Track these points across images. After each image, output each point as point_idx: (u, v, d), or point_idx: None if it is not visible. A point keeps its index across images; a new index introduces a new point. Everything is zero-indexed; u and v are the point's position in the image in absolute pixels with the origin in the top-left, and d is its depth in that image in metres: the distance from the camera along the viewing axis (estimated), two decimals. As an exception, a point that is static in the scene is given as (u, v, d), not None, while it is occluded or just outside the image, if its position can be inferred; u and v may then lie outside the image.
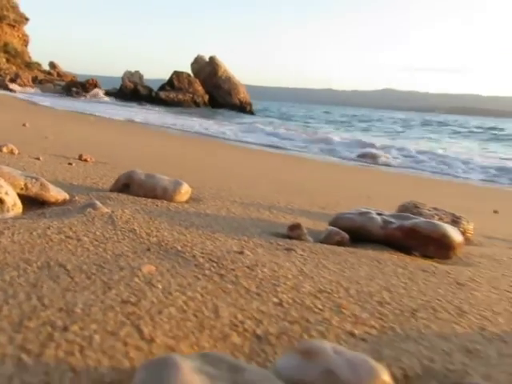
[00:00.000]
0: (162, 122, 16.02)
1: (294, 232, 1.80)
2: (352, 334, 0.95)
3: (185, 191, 2.38)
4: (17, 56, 54.93)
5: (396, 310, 1.12)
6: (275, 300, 1.07)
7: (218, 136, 13.31)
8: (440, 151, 11.85)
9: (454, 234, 1.81)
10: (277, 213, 2.37)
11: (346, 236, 1.83)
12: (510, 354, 0.96)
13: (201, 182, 3.11)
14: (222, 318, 0.93)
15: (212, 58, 39.03)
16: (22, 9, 63.70)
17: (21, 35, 61.62)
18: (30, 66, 55.80)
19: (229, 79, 38.09)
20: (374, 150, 10.38)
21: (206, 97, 36.90)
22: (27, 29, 64.05)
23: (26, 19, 63.65)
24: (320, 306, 1.07)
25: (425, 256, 1.84)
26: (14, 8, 61.12)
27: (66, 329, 0.77)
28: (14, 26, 59.85)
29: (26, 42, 62.59)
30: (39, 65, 59.72)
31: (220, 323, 0.91)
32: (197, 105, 35.17)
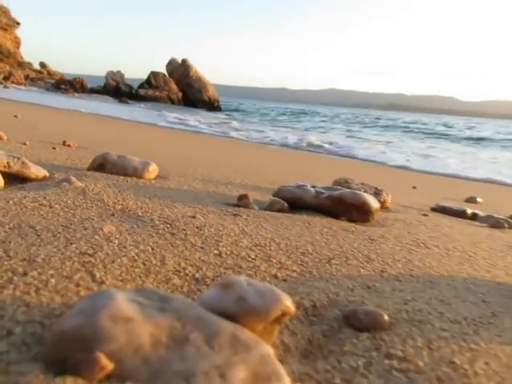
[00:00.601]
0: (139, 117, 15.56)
1: (241, 201, 1.82)
2: (276, 277, 0.98)
3: (152, 169, 2.35)
4: (10, 56, 51.83)
5: (315, 258, 1.16)
6: (216, 252, 1.09)
7: (187, 127, 13.08)
8: (366, 142, 12.07)
9: (372, 202, 1.87)
10: (231, 188, 2.37)
11: (285, 204, 1.86)
12: (401, 289, 1.02)
13: (169, 164, 3.07)
14: (168, 265, 0.94)
15: (184, 61, 38.39)
16: (14, 14, 59.94)
17: (13, 38, 58.09)
18: (22, 65, 52.80)
19: (199, 79, 37.62)
20: (316, 140, 10.47)
21: (180, 94, 36.31)
22: (19, 32, 60.41)
23: (18, 23, 59.99)
24: (253, 256, 1.10)
25: (349, 220, 1.89)
26: (6, 13, 57.43)
27: (25, 274, 0.76)
28: (6, 30, 56.31)
29: (17, 44, 59.09)
30: (30, 64, 56.63)
31: (165, 269, 0.92)
32: (172, 101, 34.55)
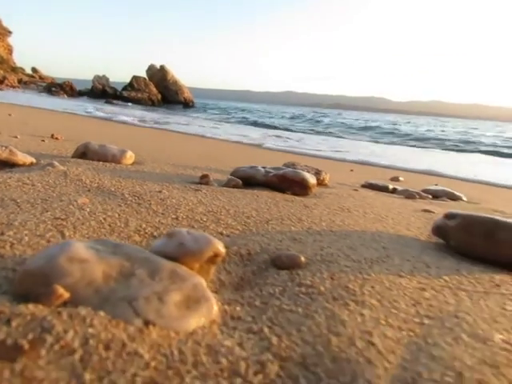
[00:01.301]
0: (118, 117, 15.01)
1: (203, 179, 1.84)
2: (221, 233, 1.03)
3: (129, 156, 2.31)
4: (3, 62, 48.20)
5: (257, 220, 1.21)
6: (173, 216, 1.11)
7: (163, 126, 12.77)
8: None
9: (310, 178, 1.95)
10: (197, 170, 2.38)
11: (240, 181, 1.90)
12: (321, 240, 1.08)
13: (146, 153, 3.03)
14: (130, 226, 0.96)
15: (162, 66, 37.41)
16: (5, 23, 55.47)
17: (5, 45, 53.93)
18: (15, 70, 49.30)
19: (175, 82, 36.80)
20: (276, 135, 10.50)
21: (159, 96, 35.37)
22: (10, 40, 56.12)
23: (9, 32, 55.67)
24: (205, 219, 1.13)
25: (293, 193, 1.96)
26: (-2, 23, 53.13)
27: (2, 234, 0.76)
28: (-1, 38, 52.19)
29: (10, 51, 54.95)
30: (23, 69, 52.97)
31: (127, 229, 0.94)
32: (152, 102, 33.59)
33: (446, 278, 0.89)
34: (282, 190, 1.96)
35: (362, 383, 0.46)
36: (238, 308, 0.65)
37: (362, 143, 10.78)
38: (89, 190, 1.32)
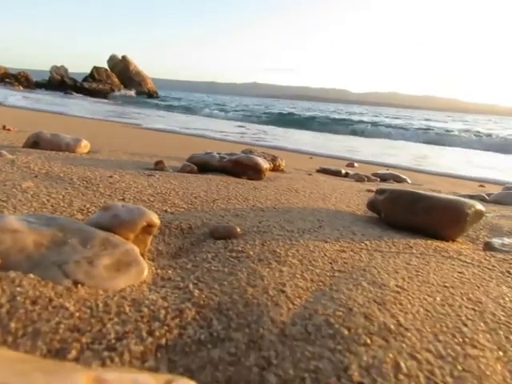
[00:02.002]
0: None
1: (158, 166, 1.85)
2: (165, 211, 1.07)
3: (84, 145, 2.27)
4: None
5: (204, 200, 1.26)
6: (120, 197, 1.14)
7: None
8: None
9: (263, 163, 2.02)
10: (155, 158, 2.37)
11: (195, 167, 1.93)
12: (261, 215, 1.15)
13: (104, 143, 2.96)
14: (74, 206, 0.98)
15: (124, 57, 35.89)
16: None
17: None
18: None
19: (138, 73, 35.53)
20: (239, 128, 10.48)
21: (122, 87, 33.98)
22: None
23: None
24: (152, 199, 1.17)
25: (248, 178, 2.02)
26: None
27: None
28: None
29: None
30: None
31: (70, 209, 0.95)
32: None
33: (367, 242, 0.99)
34: (236, 175, 2.01)
35: (266, 320, 0.54)
36: (169, 271, 0.70)
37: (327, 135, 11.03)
38: (36, 176, 1.31)
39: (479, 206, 1.22)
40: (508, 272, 0.89)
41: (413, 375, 0.44)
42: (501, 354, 0.52)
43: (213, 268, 0.71)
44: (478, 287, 0.76)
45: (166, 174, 1.71)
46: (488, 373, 0.47)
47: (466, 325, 0.58)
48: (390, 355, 0.47)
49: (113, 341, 0.47)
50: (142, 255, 0.75)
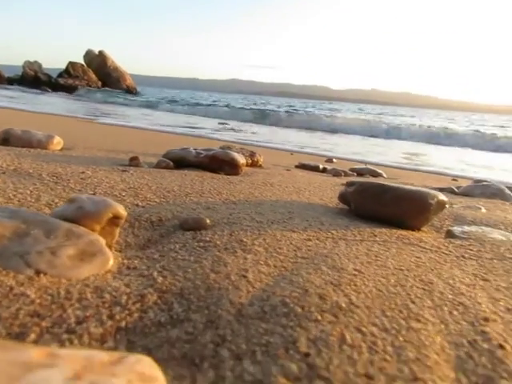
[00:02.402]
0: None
1: (133, 162, 1.85)
2: (136, 205, 1.08)
3: (57, 142, 2.23)
4: None
5: (177, 194, 1.27)
6: (91, 192, 1.14)
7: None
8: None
9: (239, 158, 2.04)
10: (132, 155, 2.36)
11: (171, 163, 1.94)
12: (233, 208, 1.18)
13: (79, 140, 2.92)
14: (41, 201, 0.98)
15: (101, 52, 34.95)
16: None
17: None
18: None
19: (116, 69, 34.72)
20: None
21: (99, 83, 33.16)
22: None
23: None
24: (123, 194, 1.17)
25: (226, 173, 2.04)
26: None
27: None
28: None
29: None
30: None
31: (38, 204, 0.95)
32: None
33: (334, 231, 1.04)
34: (213, 170, 2.03)
35: (225, 302, 0.57)
36: (136, 261, 0.72)
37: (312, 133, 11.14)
38: (4, 173, 1.29)
39: (442, 197, 1.29)
40: (462, 256, 0.96)
41: (356, 345, 0.48)
42: (442, 327, 0.57)
43: (179, 257, 0.74)
44: (432, 270, 0.81)
45: (140, 169, 1.71)
46: (427, 343, 0.51)
47: (413, 302, 0.63)
48: (338, 329, 0.51)
49: (73, 324, 0.48)
50: (110, 246, 0.76)
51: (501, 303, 0.68)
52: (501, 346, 0.53)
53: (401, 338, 0.51)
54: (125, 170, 1.62)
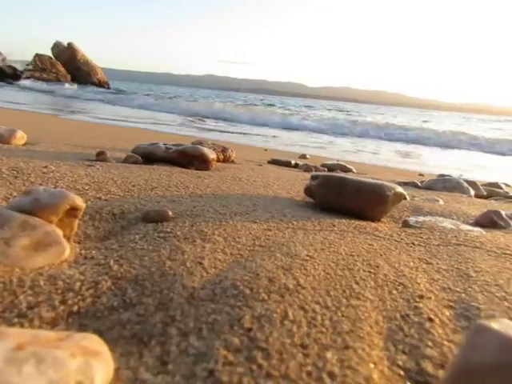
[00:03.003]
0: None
1: (100, 156, 1.83)
2: (99, 198, 1.08)
3: (20, 136, 2.17)
4: None
5: (142, 188, 1.28)
6: (52, 186, 1.13)
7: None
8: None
9: (209, 153, 2.06)
10: (99, 150, 2.33)
11: (139, 158, 1.93)
12: (198, 201, 1.21)
13: (45, 135, 2.83)
14: (-2, 194, 0.96)
15: (70, 44, 33.56)
16: None
17: None
18: None
19: (87, 62, 33.48)
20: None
21: (69, 77, 31.90)
22: None
23: None
24: (86, 188, 1.17)
25: (196, 168, 2.05)
26: None
27: None
28: None
29: None
30: None
31: (-6, 197, 0.94)
32: (61, 84, 30.30)
33: (295, 222, 1.08)
34: (183, 166, 2.04)
35: (178, 286, 0.60)
36: (93, 251, 0.73)
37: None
38: (-41, 167, 1.25)
39: (399, 189, 1.37)
40: (412, 243, 1.03)
41: (297, 321, 0.53)
42: (380, 303, 0.63)
43: (138, 247, 0.76)
44: (381, 255, 0.88)
45: (107, 164, 1.70)
46: (363, 318, 0.57)
47: (357, 283, 0.69)
48: (282, 307, 0.55)
49: (24, 309, 0.50)
50: (68, 238, 0.77)
51: (438, 283, 0.75)
52: (430, 319, 0.59)
53: (339, 314, 0.56)
54: (90, 165, 1.61)
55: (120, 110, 11.41)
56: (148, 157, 2.00)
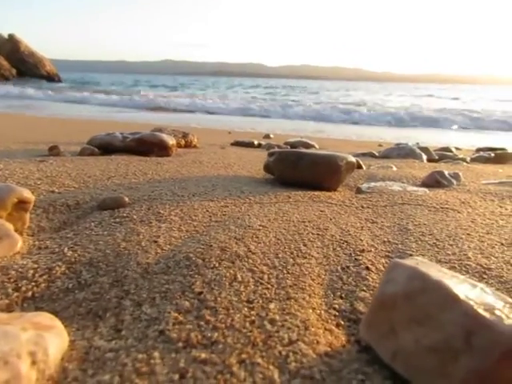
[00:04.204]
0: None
1: (52, 151, 1.77)
2: (52, 191, 1.07)
3: (-38, 137, 2.03)
4: None
5: (98, 178, 1.27)
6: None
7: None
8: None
9: (169, 140, 2.05)
10: (52, 145, 2.24)
11: (96, 149, 1.89)
12: (157, 185, 1.21)
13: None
14: None
15: (11, 36, 31.01)
16: None
17: None
18: None
19: (32, 54, 31.15)
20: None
21: (14, 70, 29.61)
22: None
23: None
24: (38, 183, 1.14)
25: (157, 156, 2.03)
26: None
27: None
28: None
29: None
30: None
31: None
32: (6, 78, 28.02)
33: (252, 197, 1.13)
34: (143, 154, 2.01)
35: (133, 264, 0.62)
36: (48, 242, 0.74)
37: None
38: None
39: (351, 158, 1.45)
40: (361, 207, 1.11)
41: (245, 281, 0.57)
42: (324, 260, 0.69)
43: (93, 233, 0.77)
44: (331, 219, 0.94)
45: (61, 158, 1.65)
46: (306, 273, 0.62)
47: (305, 245, 0.74)
48: (231, 271, 0.60)
49: (-25, 300, 0.51)
50: (20, 232, 0.77)
51: (379, 238, 0.83)
52: (367, 268, 0.66)
53: (285, 272, 0.62)
54: (43, 161, 1.56)
55: (73, 101, 10.84)
56: (105, 148, 1.96)
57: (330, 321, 0.50)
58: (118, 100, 11.14)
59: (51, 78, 30.07)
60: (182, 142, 2.58)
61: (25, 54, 30.62)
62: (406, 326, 0.41)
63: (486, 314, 0.35)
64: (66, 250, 0.68)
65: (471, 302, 0.37)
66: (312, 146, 3.34)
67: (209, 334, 0.44)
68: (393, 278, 0.45)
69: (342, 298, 0.56)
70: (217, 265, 0.62)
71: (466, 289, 0.40)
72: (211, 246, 0.69)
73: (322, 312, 0.52)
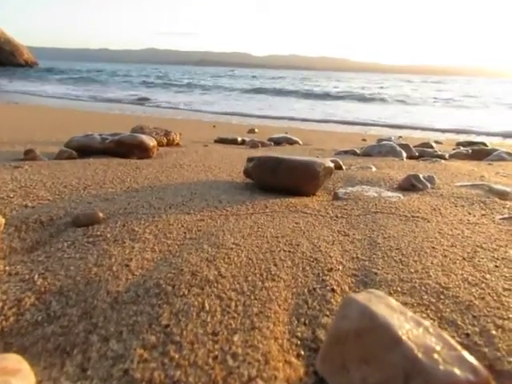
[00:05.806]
0: None
1: (28, 155, 1.74)
2: (26, 206, 1.06)
3: None
4: None
5: (74, 188, 1.26)
6: (-29, 198, 1.08)
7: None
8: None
9: (149, 141, 2.03)
10: (31, 146, 2.19)
11: (74, 152, 1.86)
12: (133, 196, 1.21)
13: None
14: None
15: (-17, 22, 29.72)
16: None
17: None
18: None
19: (8, 41, 29.94)
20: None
21: (-10, 59, 28.50)
22: None
23: None
24: (11, 195, 1.13)
25: (138, 158, 2.01)
26: None
27: None
28: None
29: None
30: None
31: None
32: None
33: (229, 208, 1.14)
34: (123, 156, 1.99)
35: (102, 293, 0.63)
36: (18, 266, 0.74)
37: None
38: None
39: (328, 164, 1.47)
40: (336, 216, 1.14)
41: (212, 311, 0.59)
42: (292, 282, 0.71)
43: (65, 256, 0.78)
44: (304, 233, 0.97)
45: (37, 163, 1.63)
46: (273, 298, 0.65)
47: (276, 265, 0.77)
48: (199, 299, 0.62)
49: None
50: (-9, 255, 0.76)
51: (349, 253, 0.85)
52: (332, 290, 0.69)
53: (252, 297, 0.64)
54: (18, 166, 1.53)
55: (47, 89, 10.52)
56: (83, 150, 1.93)
57: (291, 351, 0.53)
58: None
59: (30, 67, 29.05)
60: (164, 141, 2.56)
61: (1, 42, 29.43)
62: (356, 364, 0.43)
63: (424, 358, 0.38)
64: (36, 277, 0.68)
65: (412, 345, 0.40)
66: (296, 143, 3.36)
67: (172, 373, 0.46)
68: (346, 314, 0.48)
69: (305, 324, 0.59)
70: (186, 292, 0.63)
71: (409, 329, 0.43)
72: (182, 270, 0.71)
73: (285, 342, 0.54)
